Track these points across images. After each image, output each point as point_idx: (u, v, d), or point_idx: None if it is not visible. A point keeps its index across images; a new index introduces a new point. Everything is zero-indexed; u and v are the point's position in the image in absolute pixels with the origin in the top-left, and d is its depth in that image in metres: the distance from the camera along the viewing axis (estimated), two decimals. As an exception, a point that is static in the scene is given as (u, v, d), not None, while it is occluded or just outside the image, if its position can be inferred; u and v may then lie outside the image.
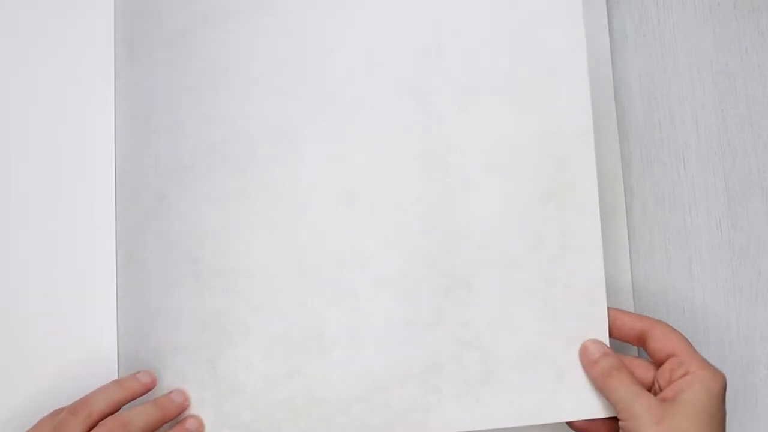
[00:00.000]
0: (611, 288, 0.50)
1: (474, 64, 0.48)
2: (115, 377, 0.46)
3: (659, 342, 0.44)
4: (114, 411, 0.43)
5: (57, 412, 0.43)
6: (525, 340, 0.46)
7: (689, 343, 0.44)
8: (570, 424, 0.47)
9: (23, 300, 0.48)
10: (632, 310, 0.51)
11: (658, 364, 0.45)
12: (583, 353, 0.46)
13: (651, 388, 0.45)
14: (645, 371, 0.45)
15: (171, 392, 0.46)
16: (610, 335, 0.46)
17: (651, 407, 0.42)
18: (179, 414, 0.45)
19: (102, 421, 0.42)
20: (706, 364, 0.43)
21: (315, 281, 0.46)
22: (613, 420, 0.45)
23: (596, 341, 0.46)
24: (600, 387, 0.45)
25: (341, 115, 0.47)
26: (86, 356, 0.47)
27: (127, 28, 0.49)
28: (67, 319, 0.48)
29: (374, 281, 0.46)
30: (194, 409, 0.46)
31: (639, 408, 0.42)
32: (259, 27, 0.48)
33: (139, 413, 0.43)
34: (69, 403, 0.43)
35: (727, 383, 0.43)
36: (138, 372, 0.45)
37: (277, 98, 0.48)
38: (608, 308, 0.46)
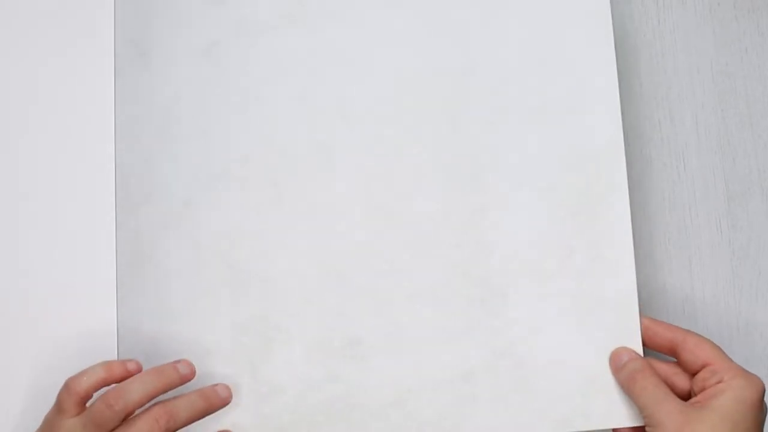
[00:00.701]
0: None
1: (504, 83, 0.49)
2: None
3: (691, 353, 0.44)
4: (150, 400, 0.42)
5: (68, 395, 0.42)
6: (557, 349, 0.47)
7: (723, 352, 0.44)
8: None
9: (24, 300, 0.48)
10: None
11: (692, 374, 0.44)
12: (613, 359, 0.46)
13: (688, 397, 0.44)
14: (683, 379, 0.45)
15: (216, 385, 0.45)
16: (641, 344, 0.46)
17: (673, 414, 0.41)
18: (222, 407, 0.45)
19: (149, 408, 0.42)
20: (741, 372, 0.43)
21: (352, 290, 0.47)
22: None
23: (627, 347, 0.46)
24: (626, 392, 0.45)
25: (375, 131, 0.49)
26: (84, 358, 0.47)
27: (145, 34, 0.49)
28: (68, 320, 0.48)
29: (410, 291, 0.48)
30: (232, 411, 0.46)
31: (661, 415, 0.42)
32: (293, 43, 0.49)
33: (187, 403, 0.43)
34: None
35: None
36: (178, 362, 0.45)
37: (313, 113, 0.49)
38: (642, 317, 0.47)
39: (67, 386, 0.42)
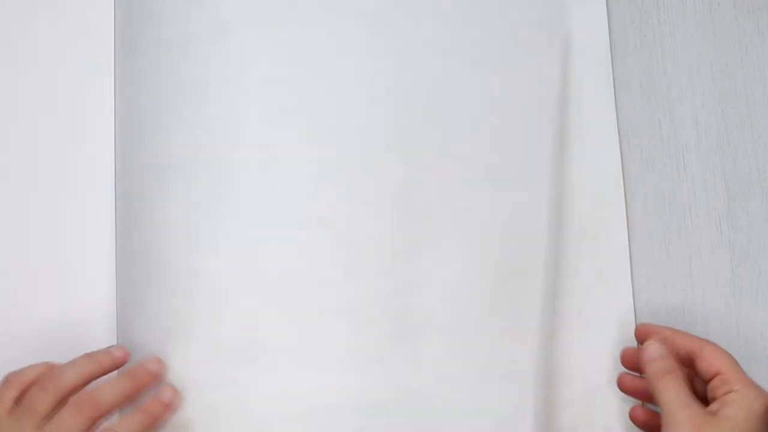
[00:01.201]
0: (611, 287, 0.51)
1: (517, 114, 0.51)
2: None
3: (706, 362, 0.45)
4: (84, 385, 0.42)
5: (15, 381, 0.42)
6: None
7: (736, 362, 0.44)
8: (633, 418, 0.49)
9: (20, 298, 0.48)
10: (632, 310, 0.51)
11: (706, 381, 0.45)
12: (644, 350, 0.46)
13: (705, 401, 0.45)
14: (700, 384, 0.46)
15: (144, 359, 0.45)
16: None
17: (693, 418, 0.42)
18: (155, 383, 0.44)
19: (72, 398, 0.41)
20: (750, 383, 0.43)
21: (273, 297, 0.46)
22: None
23: (659, 343, 0.46)
24: (652, 386, 0.45)
25: (331, 144, 0.48)
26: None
27: (131, 25, 0.50)
28: (68, 321, 0.48)
29: (324, 308, 0.47)
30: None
31: (681, 417, 0.42)
32: (261, 47, 0.48)
33: (110, 387, 0.43)
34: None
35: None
36: (112, 346, 0.45)
37: (269, 117, 0.48)
38: (664, 327, 0.48)
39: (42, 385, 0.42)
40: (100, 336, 0.47)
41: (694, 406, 0.43)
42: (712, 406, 0.43)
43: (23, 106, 0.50)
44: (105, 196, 0.49)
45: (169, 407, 0.44)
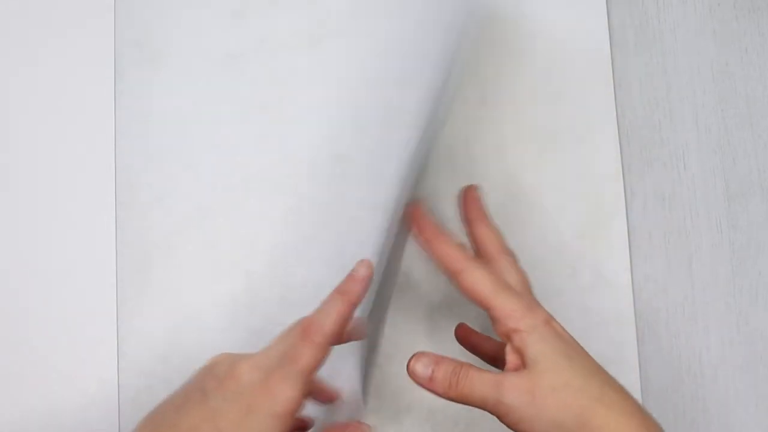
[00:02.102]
0: (611, 287, 0.50)
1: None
2: (115, 382, 0.46)
3: (463, 283, 0.40)
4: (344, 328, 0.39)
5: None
6: None
7: (497, 287, 0.39)
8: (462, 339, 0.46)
9: (23, 312, 0.48)
10: (632, 310, 0.51)
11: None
12: (415, 377, 0.39)
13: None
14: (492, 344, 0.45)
15: (353, 270, 0.40)
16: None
17: (519, 392, 0.37)
18: (368, 289, 0.40)
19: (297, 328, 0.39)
20: (525, 313, 0.39)
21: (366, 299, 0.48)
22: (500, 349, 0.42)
23: (421, 356, 0.40)
24: (456, 400, 0.39)
25: (389, 141, 0.49)
26: (84, 364, 0.47)
27: (152, 37, 0.50)
28: (68, 324, 0.48)
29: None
30: None
31: (510, 398, 0.37)
32: (312, 59, 0.51)
33: (325, 312, 0.39)
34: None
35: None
36: (355, 267, 0.40)
37: (331, 126, 0.50)
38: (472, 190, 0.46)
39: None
40: (100, 334, 0.47)
41: (510, 380, 0.38)
42: (511, 358, 0.38)
43: (23, 107, 0.49)
44: (108, 203, 0.49)
45: (364, 281, 0.40)
